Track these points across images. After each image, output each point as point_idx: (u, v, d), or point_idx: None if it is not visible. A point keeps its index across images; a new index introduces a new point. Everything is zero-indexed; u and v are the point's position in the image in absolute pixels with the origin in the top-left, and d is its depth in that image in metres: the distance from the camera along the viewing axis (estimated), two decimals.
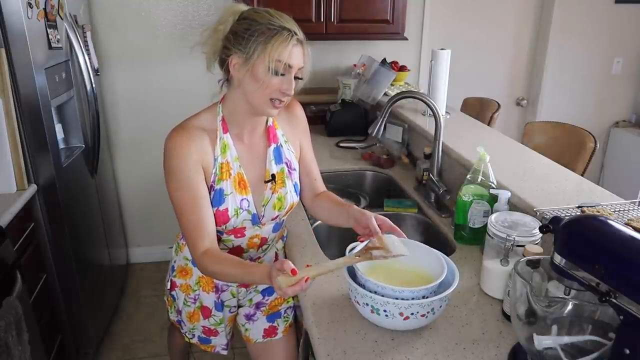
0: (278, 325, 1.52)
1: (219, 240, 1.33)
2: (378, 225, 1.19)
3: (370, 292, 1.06)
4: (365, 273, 1.10)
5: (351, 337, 1.09)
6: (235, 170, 1.27)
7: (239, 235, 1.34)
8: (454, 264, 1.15)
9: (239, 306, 1.52)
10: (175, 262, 1.47)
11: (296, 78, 1.20)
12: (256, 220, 1.32)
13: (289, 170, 1.36)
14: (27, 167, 1.86)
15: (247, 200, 1.29)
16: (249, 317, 1.52)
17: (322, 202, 1.43)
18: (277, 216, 1.36)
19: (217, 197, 1.25)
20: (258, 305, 1.51)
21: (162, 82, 2.91)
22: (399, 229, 1.21)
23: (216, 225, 1.27)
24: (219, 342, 1.50)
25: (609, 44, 3.48)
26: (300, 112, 1.43)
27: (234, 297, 1.46)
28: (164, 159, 1.22)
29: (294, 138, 1.41)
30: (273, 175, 1.33)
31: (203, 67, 1.27)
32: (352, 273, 1.13)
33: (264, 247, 1.42)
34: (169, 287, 1.49)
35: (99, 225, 2.55)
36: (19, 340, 1.46)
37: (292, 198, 1.37)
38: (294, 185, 1.38)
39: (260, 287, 1.50)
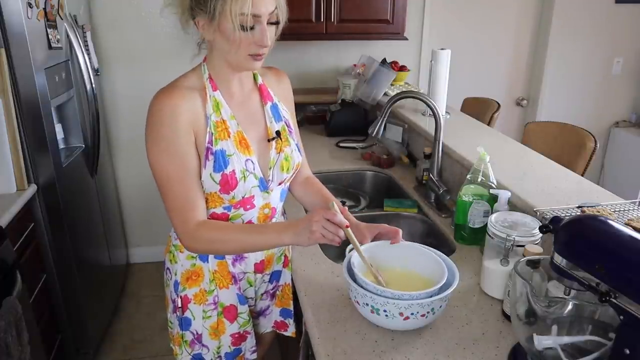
0: (289, 324, 1.47)
1: (227, 218, 1.23)
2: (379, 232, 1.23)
3: (370, 292, 1.06)
4: (364, 275, 1.10)
5: (351, 337, 1.08)
6: (234, 129, 1.17)
7: (248, 206, 1.23)
8: (454, 264, 1.15)
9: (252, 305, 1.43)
10: (176, 273, 1.28)
11: (271, 23, 1.09)
12: (264, 185, 1.22)
13: (289, 129, 1.28)
14: (27, 167, 1.87)
15: (252, 162, 1.19)
16: (261, 313, 1.46)
17: (311, 196, 1.39)
18: (285, 179, 1.27)
19: (219, 160, 1.14)
20: (270, 296, 1.44)
21: (162, 82, 2.86)
22: (395, 231, 1.23)
23: (223, 193, 1.17)
24: (249, 346, 1.35)
25: (609, 44, 3.48)
26: (287, 81, 1.35)
27: (251, 285, 1.35)
28: (150, 123, 1.12)
29: (285, 101, 1.33)
30: (278, 132, 1.24)
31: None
32: (352, 273, 1.13)
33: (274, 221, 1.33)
34: (179, 310, 1.28)
35: (99, 225, 2.55)
36: (19, 340, 1.45)
37: (297, 157, 1.29)
38: (297, 145, 1.30)
39: (268, 275, 1.40)
